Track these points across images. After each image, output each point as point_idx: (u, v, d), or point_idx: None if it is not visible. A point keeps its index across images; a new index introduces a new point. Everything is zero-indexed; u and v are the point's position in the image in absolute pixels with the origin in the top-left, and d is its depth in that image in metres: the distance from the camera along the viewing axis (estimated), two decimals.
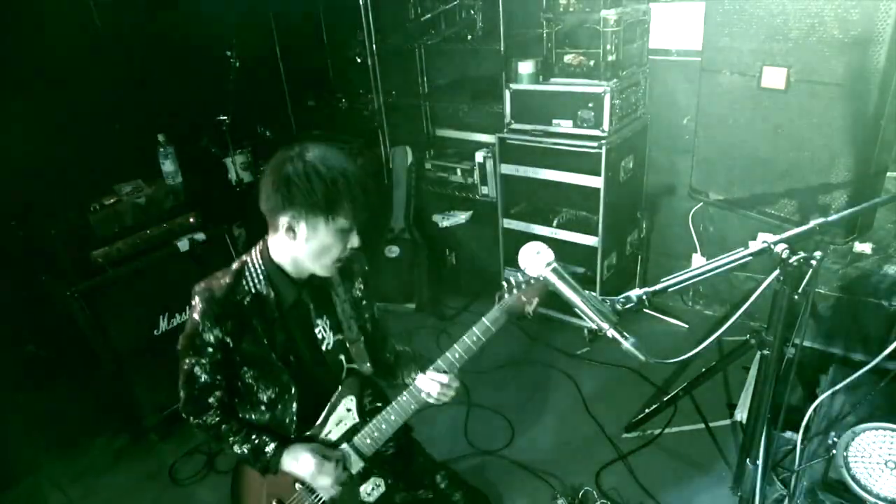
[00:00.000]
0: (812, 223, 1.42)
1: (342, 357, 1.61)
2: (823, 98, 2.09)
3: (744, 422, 2.39)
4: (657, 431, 2.60)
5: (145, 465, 2.72)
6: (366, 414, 1.61)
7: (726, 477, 2.34)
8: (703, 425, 2.61)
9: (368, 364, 1.64)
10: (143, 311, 2.67)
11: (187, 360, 1.50)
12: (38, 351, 2.87)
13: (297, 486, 1.57)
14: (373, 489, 1.63)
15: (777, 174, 2.33)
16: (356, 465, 1.59)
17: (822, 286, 2.93)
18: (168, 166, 2.92)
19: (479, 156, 3.53)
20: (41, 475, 2.65)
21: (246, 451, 1.54)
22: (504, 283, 1.43)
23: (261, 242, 1.53)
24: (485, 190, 3.58)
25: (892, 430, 1.77)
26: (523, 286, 1.41)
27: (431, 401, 1.53)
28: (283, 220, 1.41)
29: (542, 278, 1.31)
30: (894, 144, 2.17)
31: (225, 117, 3.26)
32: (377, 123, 3.85)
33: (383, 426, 1.57)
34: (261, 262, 1.51)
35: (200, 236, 2.81)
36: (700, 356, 2.73)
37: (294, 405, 1.56)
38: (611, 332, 1.21)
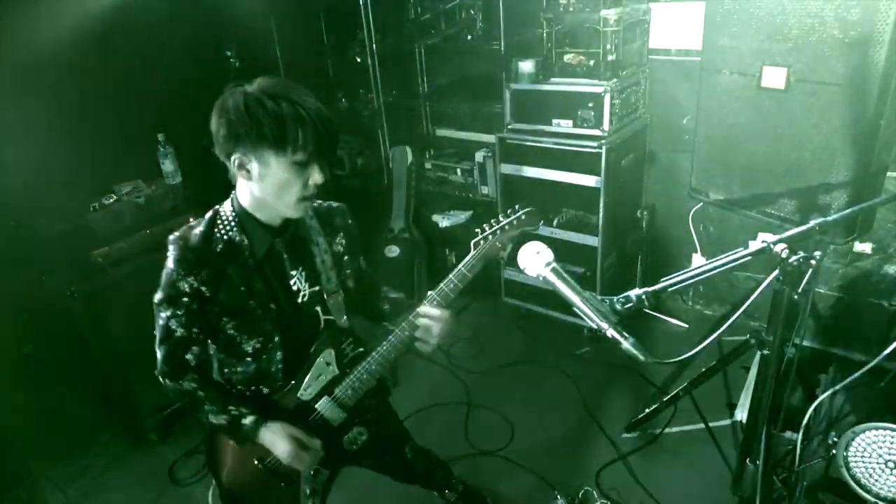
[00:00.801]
0: (812, 223, 1.42)
1: (318, 309, 1.58)
2: (823, 98, 2.09)
3: (744, 422, 2.39)
4: (657, 431, 2.60)
5: (145, 465, 2.72)
6: (345, 365, 1.58)
7: (726, 477, 2.33)
8: (703, 425, 2.61)
9: (345, 318, 1.61)
10: (142, 311, 2.65)
11: (163, 314, 1.47)
12: (37, 351, 2.87)
13: None
14: (356, 437, 1.64)
15: (777, 174, 2.33)
16: (338, 417, 1.58)
17: (822, 286, 2.94)
18: (168, 166, 2.92)
19: (479, 156, 3.53)
20: (41, 475, 2.65)
21: (223, 421, 1.50)
22: (478, 231, 1.47)
23: (233, 191, 1.49)
24: (485, 190, 3.58)
25: (892, 430, 1.77)
26: (497, 233, 1.47)
27: (418, 336, 1.50)
28: (234, 159, 1.35)
29: (540, 277, 1.31)
30: (894, 144, 2.17)
31: None
32: (377, 123, 3.85)
33: (364, 376, 1.55)
34: (232, 209, 1.47)
35: None
36: (700, 356, 2.76)
37: (279, 353, 1.53)
38: (610, 332, 1.20)
